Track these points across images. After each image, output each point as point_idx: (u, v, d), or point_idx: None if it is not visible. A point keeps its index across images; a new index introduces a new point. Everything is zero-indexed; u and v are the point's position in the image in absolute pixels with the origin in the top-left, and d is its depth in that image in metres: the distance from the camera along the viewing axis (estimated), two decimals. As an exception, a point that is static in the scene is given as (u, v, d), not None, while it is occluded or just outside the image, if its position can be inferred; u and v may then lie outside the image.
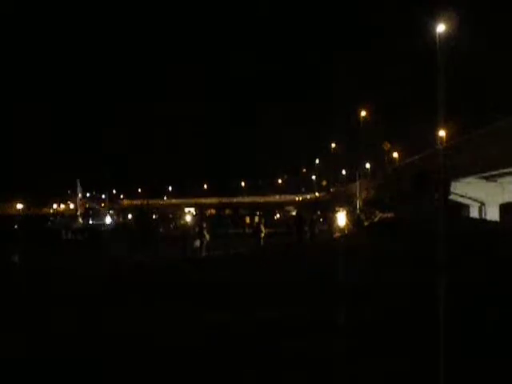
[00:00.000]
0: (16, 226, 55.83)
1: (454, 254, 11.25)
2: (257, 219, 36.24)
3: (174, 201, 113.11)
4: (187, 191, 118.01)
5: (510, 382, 5.21)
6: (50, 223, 62.15)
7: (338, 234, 29.51)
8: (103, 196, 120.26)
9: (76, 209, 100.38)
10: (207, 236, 25.49)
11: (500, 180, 35.77)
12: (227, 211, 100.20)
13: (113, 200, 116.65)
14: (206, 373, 5.89)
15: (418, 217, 28.16)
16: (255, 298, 10.19)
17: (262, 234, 27.49)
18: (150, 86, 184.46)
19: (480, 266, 11.27)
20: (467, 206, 38.66)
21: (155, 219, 71.78)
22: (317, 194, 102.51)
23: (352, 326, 7.31)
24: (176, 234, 35.93)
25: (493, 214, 36.00)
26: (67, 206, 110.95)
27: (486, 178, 35.84)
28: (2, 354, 6.92)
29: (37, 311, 9.83)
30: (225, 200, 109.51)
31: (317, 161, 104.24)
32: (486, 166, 32.17)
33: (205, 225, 27.24)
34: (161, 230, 48.95)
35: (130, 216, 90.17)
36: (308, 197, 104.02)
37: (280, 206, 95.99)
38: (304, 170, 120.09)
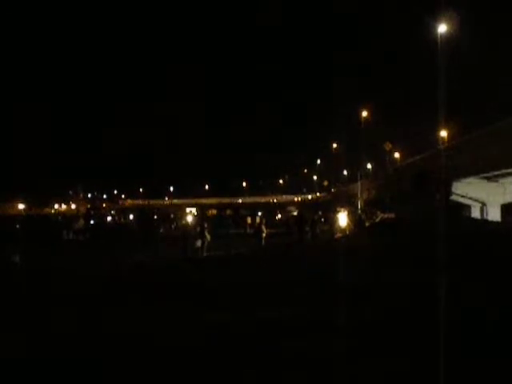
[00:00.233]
0: (18, 226, 55.87)
1: (455, 254, 11.23)
2: (258, 219, 36.24)
3: (175, 201, 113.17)
4: (188, 191, 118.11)
5: (510, 382, 5.20)
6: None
7: (339, 234, 29.50)
8: (104, 196, 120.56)
9: (77, 209, 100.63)
10: (208, 236, 25.49)
11: (501, 180, 35.72)
12: (228, 211, 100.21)
13: (114, 200, 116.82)
14: (206, 373, 5.89)
15: (419, 217, 28.14)
16: (256, 298, 10.19)
17: (264, 234, 27.51)
18: (150, 86, 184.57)
19: (481, 267, 11.25)
20: (468, 207, 38.60)
21: (156, 219, 71.79)
22: (318, 194, 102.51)
23: (352, 326, 7.30)
24: (177, 234, 35.95)
25: (494, 215, 35.95)
26: (69, 206, 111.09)
27: (488, 179, 35.79)
28: (1, 353, 6.92)
29: (36, 311, 9.83)
30: (226, 200, 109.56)
31: (318, 161, 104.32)
32: (488, 166, 32.12)
33: (206, 225, 27.25)
34: (161, 230, 48.95)
35: (131, 216, 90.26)
36: (309, 197, 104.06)
37: (281, 207, 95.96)
38: (305, 171, 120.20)
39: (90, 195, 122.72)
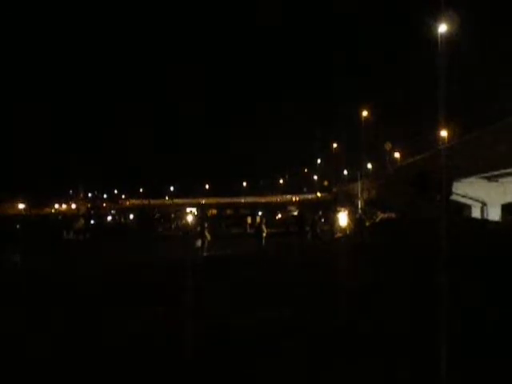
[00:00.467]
0: (18, 226, 55.87)
1: (456, 254, 11.22)
2: (258, 219, 36.24)
3: (175, 201, 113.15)
4: (188, 191, 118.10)
5: (510, 382, 5.21)
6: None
7: (339, 234, 29.49)
8: (105, 196, 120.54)
9: (78, 209, 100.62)
10: (208, 236, 25.49)
11: (502, 180, 35.73)
12: (229, 211, 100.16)
13: (114, 200, 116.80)
14: (206, 373, 5.89)
15: (419, 217, 28.13)
16: (256, 297, 10.19)
17: (264, 234, 27.49)
18: (150, 86, 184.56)
19: (481, 266, 11.25)
20: (469, 207, 38.59)
21: (156, 219, 71.85)
22: (318, 194, 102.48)
23: (352, 325, 7.31)
24: (177, 234, 35.99)
25: (494, 215, 35.95)
26: (69, 205, 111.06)
27: (488, 178, 35.79)
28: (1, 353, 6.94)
29: (36, 311, 9.84)
30: (226, 200, 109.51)
31: (318, 161, 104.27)
32: (488, 166, 32.12)
33: (206, 225, 27.26)
34: (160, 229, 49.00)
35: (131, 216, 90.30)
36: (309, 197, 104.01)
37: (281, 206, 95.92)
38: (305, 170, 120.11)
39: (90, 195, 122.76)
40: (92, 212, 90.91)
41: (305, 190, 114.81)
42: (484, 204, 37.70)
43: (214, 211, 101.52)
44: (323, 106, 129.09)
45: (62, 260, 23.08)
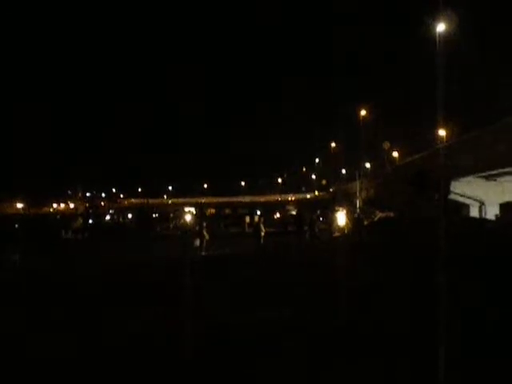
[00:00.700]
0: (16, 226, 55.79)
1: (454, 253, 11.22)
2: (256, 219, 36.20)
3: (173, 200, 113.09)
4: (187, 191, 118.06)
5: (510, 382, 5.21)
6: None
7: (337, 234, 29.48)
8: (103, 195, 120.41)
9: (76, 208, 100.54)
10: (207, 235, 25.49)
11: (500, 179, 35.76)
12: (227, 211, 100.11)
13: (112, 199, 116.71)
14: (206, 373, 5.89)
15: (417, 216, 28.14)
16: (255, 297, 10.19)
17: (262, 234, 27.48)
18: (150, 86, 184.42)
19: (480, 266, 11.26)
20: (467, 206, 38.60)
21: (155, 218, 71.78)
22: (317, 193, 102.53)
23: (352, 325, 7.31)
24: (176, 233, 35.96)
25: (492, 214, 35.96)
26: (67, 205, 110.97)
27: (486, 178, 35.82)
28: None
29: (35, 311, 9.83)
30: (225, 200, 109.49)
31: (317, 160, 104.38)
32: (486, 166, 32.16)
33: (205, 224, 27.25)
34: (158, 229, 48.97)
35: (130, 215, 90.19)
36: (308, 196, 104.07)
37: (280, 206, 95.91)
38: (304, 170, 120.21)
39: (88, 194, 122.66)
40: (90, 211, 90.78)
41: (303, 189, 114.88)
42: (482, 203, 37.71)
43: (213, 211, 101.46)
44: (322, 105, 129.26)
45: (61, 259, 23.05)
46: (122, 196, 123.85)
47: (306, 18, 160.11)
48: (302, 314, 8.47)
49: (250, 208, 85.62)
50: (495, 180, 36.06)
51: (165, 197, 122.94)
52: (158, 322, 8.47)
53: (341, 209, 35.31)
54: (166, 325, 8.24)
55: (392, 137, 66.03)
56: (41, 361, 6.62)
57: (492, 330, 6.64)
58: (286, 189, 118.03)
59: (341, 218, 33.44)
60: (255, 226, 29.72)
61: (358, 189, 54.09)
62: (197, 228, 26.29)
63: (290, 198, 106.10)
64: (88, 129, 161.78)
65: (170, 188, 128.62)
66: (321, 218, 45.28)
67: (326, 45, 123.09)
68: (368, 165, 76.68)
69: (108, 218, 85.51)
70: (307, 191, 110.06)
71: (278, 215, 70.72)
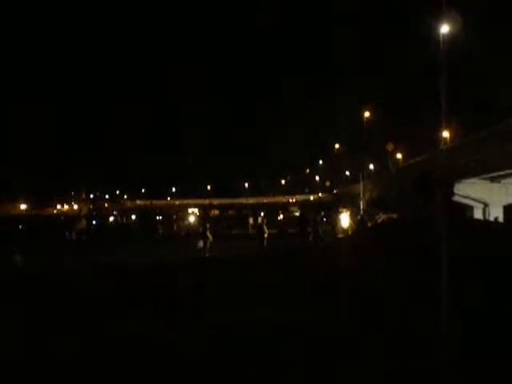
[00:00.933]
0: (20, 227, 55.92)
1: (458, 255, 11.19)
2: (260, 220, 36.22)
3: (177, 201, 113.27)
4: (190, 192, 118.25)
5: (510, 382, 5.19)
6: None
7: (341, 235, 29.48)
8: (107, 196, 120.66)
9: (80, 209, 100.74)
10: (210, 237, 25.50)
11: (504, 181, 35.70)
12: (231, 212, 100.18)
13: (116, 200, 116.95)
14: (206, 373, 5.88)
15: (421, 218, 28.08)
16: (257, 298, 10.17)
17: (266, 235, 27.48)
18: (150, 86, 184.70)
19: (483, 267, 11.22)
20: (471, 207, 38.53)
21: (158, 220, 71.85)
22: (320, 194, 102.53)
23: (354, 325, 7.29)
24: (179, 235, 36.03)
25: (496, 216, 35.88)
26: (71, 206, 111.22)
27: (490, 179, 35.77)
28: (1, 354, 6.93)
29: (36, 312, 9.83)
30: (228, 201, 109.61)
31: (320, 161, 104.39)
32: (490, 167, 32.10)
33: (208, 225, 27.27)
34: (162, 230, 49.04)
35: (133, 217, 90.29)
36: (311, 197, 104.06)
37: (283, 207, 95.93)
38: (307, 171, 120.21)
39: (92, 195, 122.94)
40: (94, 213, 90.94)
41: (307, 190, 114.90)
42: (486, 205, 37.64)
43: (216, 212, 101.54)
44: (325, 106, 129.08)
45: (64, 260, 23.08)
46: (125, 197, 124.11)
47: (306, 17, 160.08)
48: (304, 314, 8.45)
49: (254, 209, 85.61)
50: (499, 182, 36.01)
51: (168, 198, 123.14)
52: (159, 322, 8.46)
53: (344, 210, 35.43)
54: (167, 325, 8.24)
55: (395, 138, 65.98)
56: (40, 361, 6.63)
57: (492, 330, 6.61)
58: (289, 190, 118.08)
59: (344, 219, 33.60)
60: (258, 228, 29.75)
61: (361, 190, 54.05)
62: (200, 229, 26.31)
63: (293, 200, 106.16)
64: (89, 129, 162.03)
65: (174, 189, 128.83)
66: (324, 220, 45.24)
67: (327, 44, 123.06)
68: (372, 166, 76.67)
69: (112, 219, 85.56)
70: (311, 193, 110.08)
71: (281, 216, 70.72)
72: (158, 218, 76.25)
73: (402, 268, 12.51)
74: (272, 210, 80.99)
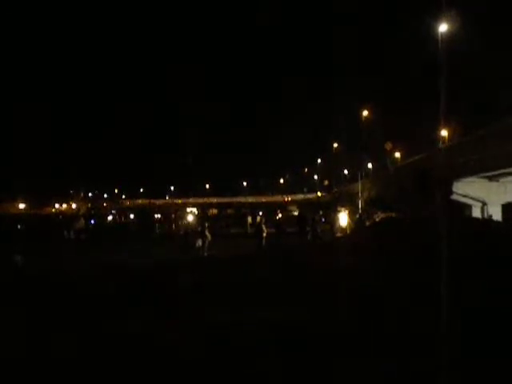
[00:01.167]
0: (19, 226, 55.83)
1: (456, 254, 11.21)
2: (258, 219, 36.19)
3: (176, 201, 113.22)
4: (189, 191, 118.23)
5: (510, 382, 5.20)
6: None
7: (339, 234, 29.49)
8: (105, 195, 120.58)
9: (78, 208, 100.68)
10: (209, 236, 25.50)
11: (502, 180, 35.76)
12: (229, 211, 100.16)
13: (114, 199, 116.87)
14: (206, 373, 5.88)
15: (419, 217, 28.11)
16: (256, 297, 10.18)
17: (264, 234, 27.49)
18: (150, 86, 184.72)
19: (482, 266, 11.24)
20: (469, 206, 38.59)
21: (157, 219, 71.81)
22: (319, 193, 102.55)
23: (353, 325, 7.30)
24: (178, 234, 35.99)
25: (495, 214, 35.94)
26: (69, 205, 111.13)
27: (489, 178, 35.82)
28: (2, 354, 6.93)
29: (35, 311, 9.83)
30: (227, 200, 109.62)
31: (319, 160, 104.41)
32: (489, 166, 32.15)
33: (207, 224, 27.26)
34: (160, 229, 49.00)
35: (132, 216, 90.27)
36: (310, 196, 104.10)
37: (282, 206, 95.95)
38: (306, 170, 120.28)
39: (90, 194, 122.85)
40: (93, 212, 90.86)
41: (305, 189, 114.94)
42: (484, 204, 37.70)
43: (215, 211, 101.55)
44: (324, 106, 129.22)
45: (63, 260, 23.07)
46: (123, 196, 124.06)
47: (306, 17, 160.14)
48: (302, 314, 8.45)
49: (252, 208, 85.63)
50: (498, 181, 36.07)
51: (167, 197, 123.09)
52: (159, 322, 8.46)
53: (343, 209, 35.43)
54: (167, 324, 8.24)
55: (394, 137, 66.07)
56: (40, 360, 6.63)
57: (492, 330, 6.62)
58: (288, 189, 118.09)
59: (343, 218, 33.61)
60: (257, 227, 29.74)
61: (359, 189, 54.08)
62: (199, 228, 26.31)
63: (291, 199, 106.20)
64: (88, 128, 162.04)
65: (172, 188, 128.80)
66: (323, 219, 45.24)
67: (327, 44, 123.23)
68: (370, 165, 76.72)
69: (110, 218, 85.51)
70: (309, 192, 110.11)
71: (280, 216, 70.85)
72: (156, 216, 76.28)
73: (401, 267, 12.52)
74: (271, 209, 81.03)
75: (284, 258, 18.62)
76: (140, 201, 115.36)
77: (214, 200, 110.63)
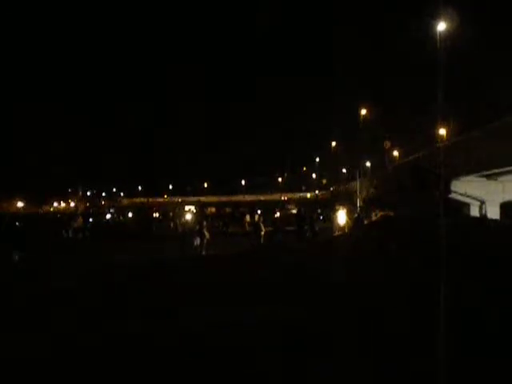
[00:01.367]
0: (17, 224, 55.64)
1: (455, 253, 11.22)
2: (256, 217, 36.19)
3: (174, 199, 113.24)
4: (187, 189, 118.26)
5: (510, 382, 5.20)
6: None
7: (338, 233, 29.51)
8: (103, 194, 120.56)
9: (76, 207, 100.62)
10: (207, 234, 25.48)
11: (500, 178, 35.82)
12: (227, 209, 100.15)
13: (113, 198, 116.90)
14: (205, 372, 5.89)
15: (417, 215, 28.13)
16: (255, 296, 10.18)
17: (262, 233, 27.51)
18: (150, 86, 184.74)
19: (480, 265, 11.25)
20: (467, 205, 38.64)
21: (155, 217, 71.76)
22: (317, 192, 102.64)
23: (352, 324, 7.30)
24: (176, 232, 35.95)
25: (493, 213, 35.99)
26: (68, 204, 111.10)
27: (487, 177, 35.87)
28: (2, 354, 6.92)
29: (35, 311, 9.82)
30: (225, 198, 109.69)
31: (317, 159, 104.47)
32: (487, 165, 32.20)
33: (205, 223, 27.24)
34: (159, 228, 48.96)
35: (130, 214, 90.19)
36: (308, 195, 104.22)
37: (280, 205, 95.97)
38: (304, 169, 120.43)
39: (88, 193, 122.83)
40: (91, 210, 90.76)
41: (303, 188, 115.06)
42: (483, 202, 37.75)
43: (213, 209, 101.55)
44: (323, 104, 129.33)
45: (62, 259, 23.04)
46: (122, 195, 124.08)
47: (306, 18, 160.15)
48: (301, 313, 8.46)
49: (251, 207, 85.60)
50: (496, 179, 36.11)
51: (165, 196, 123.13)
52: (157, 321, 8.47)
53: (341, 208, 35.44)
54: (166, 324, 8.24)
55: (392, 135, 66.15)
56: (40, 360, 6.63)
57: (492, 329, 6.63)
58: (286, 188, 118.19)
59: (341, 216, 33.59)
60: (255, 225, 29.75)
61: (358, 188, 54.12)
62: (197, 227, 26.28)
63: (290, 197, 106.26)
64: (87, 128, 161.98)
65: (171, 187, 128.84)
66: (321, 217, 45.28)
67: (327, 44, 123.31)
68: (368, 164, 76.76)
69: (108, 216, 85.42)
70: (307, 190, 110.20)
71: (278, 214, 70.82)
72: (155, 215, 76.24)
73: (399, 265, 12.54)
74: (269, 208, 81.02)
75: (282, 257, 18.63)
76: (138, 199, 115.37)
77: (213, 198, 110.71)
